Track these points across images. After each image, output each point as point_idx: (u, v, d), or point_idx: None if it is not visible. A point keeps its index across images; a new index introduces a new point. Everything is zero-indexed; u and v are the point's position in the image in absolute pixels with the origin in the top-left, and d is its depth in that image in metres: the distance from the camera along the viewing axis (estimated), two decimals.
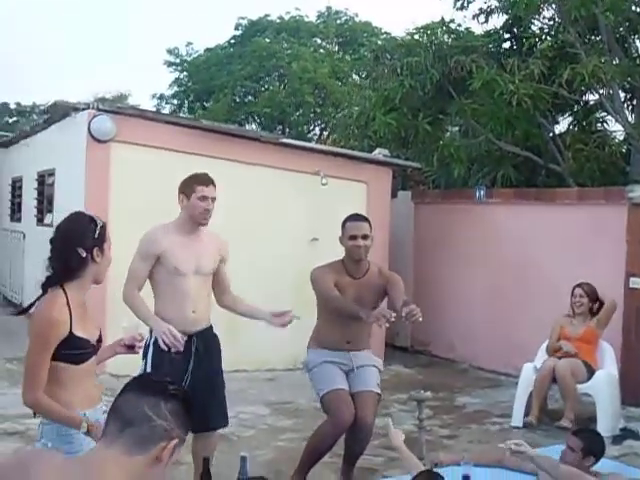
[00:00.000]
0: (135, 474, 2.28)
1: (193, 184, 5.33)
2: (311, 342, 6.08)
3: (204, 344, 5.28)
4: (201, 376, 5.21)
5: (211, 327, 5.40)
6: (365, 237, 5.76)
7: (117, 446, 2.27)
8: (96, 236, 3.65)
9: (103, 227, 3.71)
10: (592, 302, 8.25)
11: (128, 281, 5.25)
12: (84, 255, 3.61)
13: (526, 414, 7.90)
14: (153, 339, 5.17)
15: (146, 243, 5.31)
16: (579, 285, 8.26)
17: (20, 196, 14.80)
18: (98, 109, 9.45)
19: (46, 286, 3.63)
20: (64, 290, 3.58)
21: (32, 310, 3.66)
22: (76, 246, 3.61)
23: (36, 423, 3.71)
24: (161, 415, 2.30)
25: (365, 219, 5.92)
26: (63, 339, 3.51)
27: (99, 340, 3.74)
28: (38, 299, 3.62)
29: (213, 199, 5.32)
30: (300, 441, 7.04)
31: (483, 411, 8.65)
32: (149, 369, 5.16)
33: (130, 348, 4.03)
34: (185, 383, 5.13)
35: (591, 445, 5.00)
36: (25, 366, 3.54)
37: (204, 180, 5.38)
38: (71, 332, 3.52)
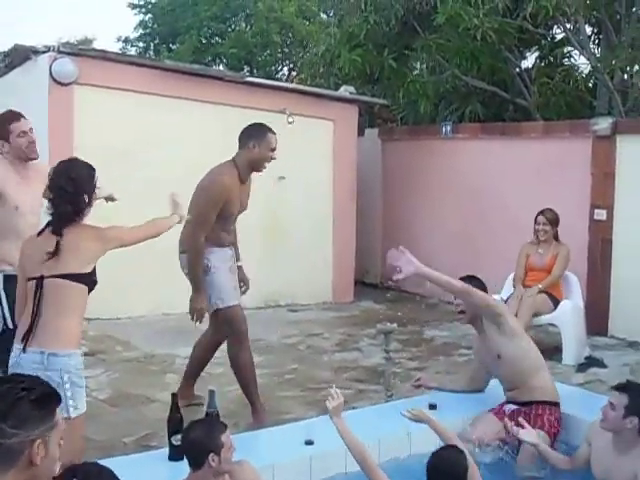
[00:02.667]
0: None
1: (5, 124, 5.24)
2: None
3: None
4: None
5: None
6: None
7: None
8: (95, 183, 4.02)
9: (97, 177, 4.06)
10: (556, 228, 8.29)
11: None
12: (87, 200, 3.94)
13: None
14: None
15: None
16: (542, 212, 8.28)
17: None
18: (59, 51, 9.29)
19: (58, 228, 3.86)
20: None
21: None
22: (84, 192, 3.92)
23: None
24: (8, 434, 2.31)
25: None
26: None
27: None
28: (58, 242, 3.83)
29: (31, 129, 5.28)
30: (271, 377, 7.18)
31: (451, 343, 8.77)
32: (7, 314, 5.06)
33: None
34: None
35: (478, 283, 5.27)
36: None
37: (14, 117, 5.34)
38: None
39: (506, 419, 4.95)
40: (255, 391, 5.98)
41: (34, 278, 3.82)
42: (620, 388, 4.37)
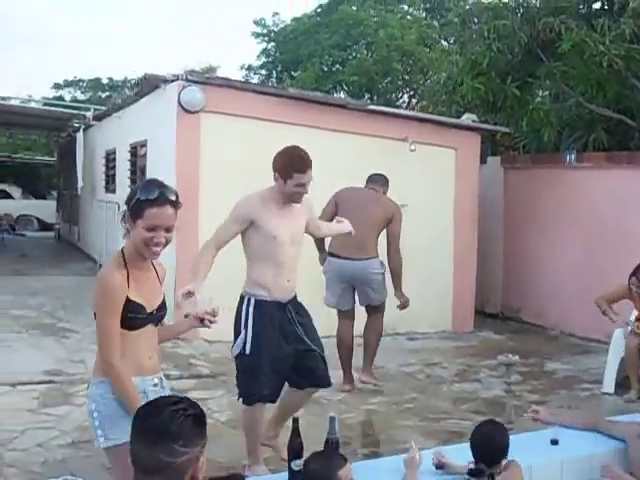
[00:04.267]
0: None
1: (291, 171, 5.21)
2: None
3: (295, 310, 5.39)
4: (310, 337, 5.40)
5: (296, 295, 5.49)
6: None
7: None
8: (131, 206, 3.51)
9: (138, 200, 3.49)
10: None
11: (212, 237, 5.27)
12: (127, 221, 3.55)
13: (617, 383, 7.79)
14: (252, 306, 5.26)
15: (242, 207, 5.30)
16: (634, 273, 7.77)
17: (114, 168, 15.11)
18: (187, 80, 9.59)
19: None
20: (122, 253, 3.57)
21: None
22: (126, 213, 3.55)
23: None
24: (178, 454, 2.43)
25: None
26: None
27: (159, 309, 3.67)
28: None
29: (309, 182, 5.28)
30: (390, 405, 7.14)
31: (573, 377, 8.58)
32: (249, 338, 5.21)
33: (201, 321, 3.92)
34: (296, 347, 5.33)
35: None
36: (97, 325, 3.51)
37: (302, 167, 5.27)
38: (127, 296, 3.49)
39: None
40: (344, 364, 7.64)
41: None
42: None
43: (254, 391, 5.24)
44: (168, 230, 3.51)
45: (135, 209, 3.48)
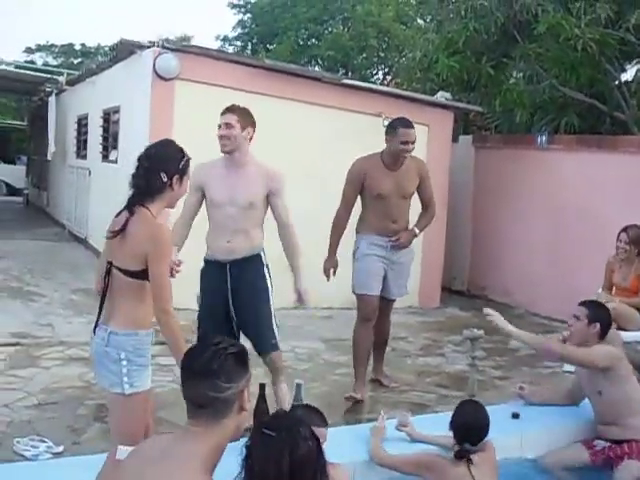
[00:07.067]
0: (230, 428, 2.75)
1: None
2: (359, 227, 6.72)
3: (239, 272, 5.37)
4: (242, 302, 5.38)
5: (251, 258, 5.41)
6: (413, 142, 6.41)
7: (202, 422, 2.70)
8: (180, 166, 3.87)
9: (188, 160, 3.94)
10: (637, 248, 7.95)
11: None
12: (165, 180, 3.80)
13: None
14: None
15: (192, 176, 5.46)
16: (625, 230, 7.99)
17: (86, 133, 15.01)
18: (163, 47, 9.54)
19: (131, 205, 3.79)
20: (149, 210, 3.78)
21: (127, 229, 3.75)
22: (161, 169, 3.80)
23: None
24: (222, 389, 2.70)
25: (412, 125, 6.48)
26: None
27: None
28: (127, 220, 3.76)
29: (226, 124, 5.39)
30: (354, 377, 7.18)
31: (536, 355, 8.64)
32: (197, 295, 5.54)
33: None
34: (229, 307, 5.39)
35: (596, 312, 5.25)
36: (158, 280, 3.70)
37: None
38: None
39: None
40: (359, 370, 6.58)
41: (108, 262, 3.85)
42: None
43: None
44: None
45: (184, 168, 3.91)
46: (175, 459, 2.63)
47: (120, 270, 3.77)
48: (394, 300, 7.03)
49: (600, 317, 5.24)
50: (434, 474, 4.11)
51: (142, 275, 3.72)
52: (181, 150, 3.96)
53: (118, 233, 3.77)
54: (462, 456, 4.10)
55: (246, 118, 5.43)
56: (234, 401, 2.73)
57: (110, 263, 3.84)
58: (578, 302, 5.35)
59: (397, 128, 6.39)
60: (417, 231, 6.72)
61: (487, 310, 5.45)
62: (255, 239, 5.42)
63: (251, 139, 5.47)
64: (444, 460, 4.15)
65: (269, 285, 5.45)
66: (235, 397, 2.73)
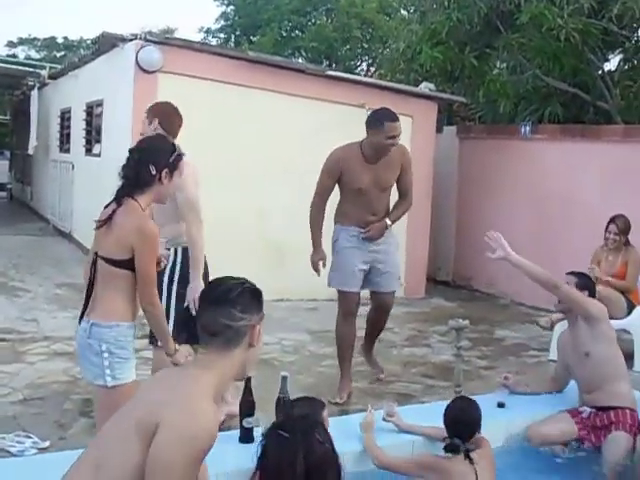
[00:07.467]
0: (238, 360, 2.82)
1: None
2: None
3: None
4: None
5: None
6: (399, 135, 6.13)
7: (213, 350, 2.78)
8: (171, 160, 3.91)
9: (179, 156, 3.98)
10: (626, 236, 8.14)
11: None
12: (154, 173, 3.83)
13: None
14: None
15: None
16: (613, 220, 8.12)
17: (69, 127, 14.95)
18: (146, 40, 9.51)
19: (119, 196, 3.82)
20: (137, 202, 3.80)
21: (116, 221, 3.77)
22: (150, 162, 3.83)
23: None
24: (237, 318, 2.78)
25: (398, 118, 6.15)
26: None
27: None
28: (114, 211, 3.78)
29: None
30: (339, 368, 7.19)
31: (521, 344, 8.73)
32: None
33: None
34: None
35: (584, 281, 5.52)
36: (144, 273, 3.76)
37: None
38: None
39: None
40: (343, 365, 6.46)
41: (95, 252, 3.87)
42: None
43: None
44: None
45: (175, 162, 3.94)
46: (185, 379, 2.72)
47: (104, 259, 3.78)
48: (390, 293, 6.65)
49: (588, 286, 5.49)
50: (438, 474, 4.10)
51: (126, 264, 3.74)
52: (173, 145, 4.01)
53: (104, 223, 3.79)
54: (452, 450, 4.09)
55: None
56: (245, 333, 2.80)
57: (96, 254, 3.85)
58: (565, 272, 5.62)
59: (383, 122, 6.05)
60: (389, 222, 6.43)
61: (490, 234, 5.70)
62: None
63: None
64: (446, 460, 4.14)
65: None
66: (247, 330, 2.80)
